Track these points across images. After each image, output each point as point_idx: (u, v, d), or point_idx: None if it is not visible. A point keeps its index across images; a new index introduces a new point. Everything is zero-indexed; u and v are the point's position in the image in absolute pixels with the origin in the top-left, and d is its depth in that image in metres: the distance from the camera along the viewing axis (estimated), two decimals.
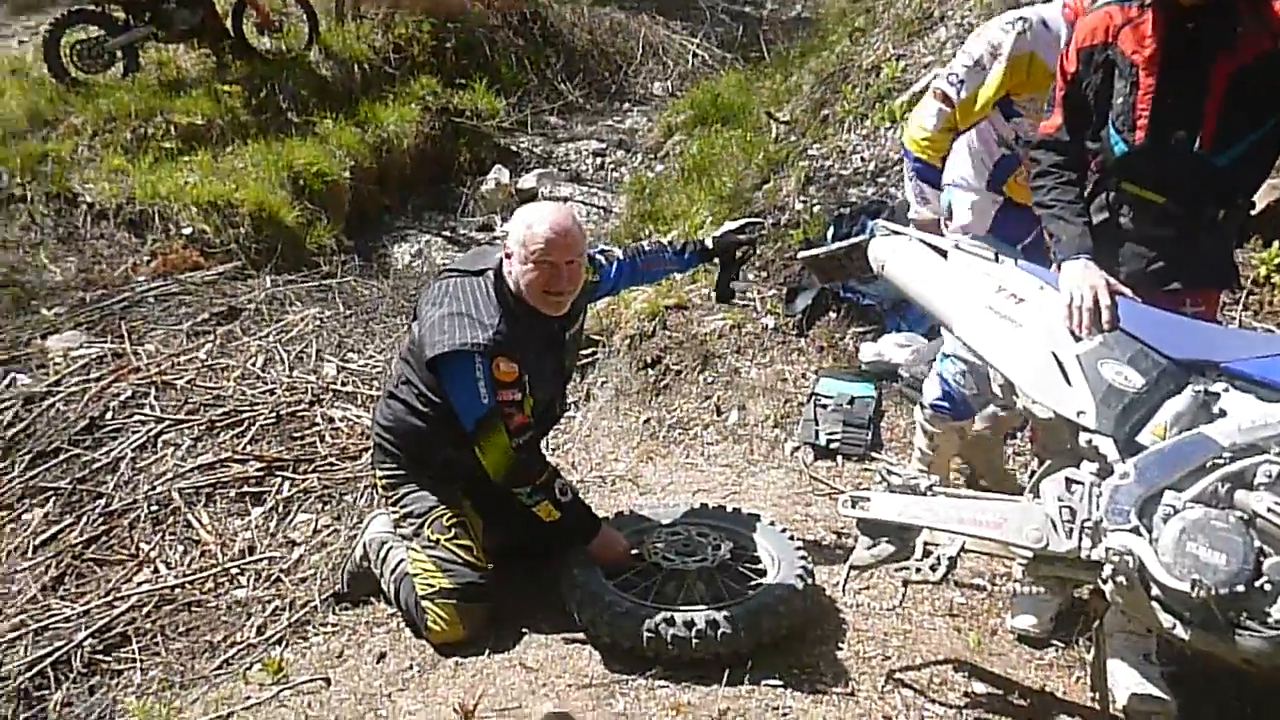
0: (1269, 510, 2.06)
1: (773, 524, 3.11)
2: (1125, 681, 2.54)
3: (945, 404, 3.25)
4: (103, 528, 3.66)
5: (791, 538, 3.04)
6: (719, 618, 2.63)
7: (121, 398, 4.28)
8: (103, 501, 3.76)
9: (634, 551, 2.99)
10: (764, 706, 2.52)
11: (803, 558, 2.92)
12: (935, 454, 3.38)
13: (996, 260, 2.66)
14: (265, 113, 7.63)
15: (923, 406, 3.34)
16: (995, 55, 3.02)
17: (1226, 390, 2.27)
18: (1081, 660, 2.80)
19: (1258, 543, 2.06)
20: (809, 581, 2.84)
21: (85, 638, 3.19)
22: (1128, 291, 2.48)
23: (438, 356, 2.73)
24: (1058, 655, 2.86)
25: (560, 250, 2.78)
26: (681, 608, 2.69)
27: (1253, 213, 2.78)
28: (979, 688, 2.66)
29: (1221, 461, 2.16)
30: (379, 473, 3.06)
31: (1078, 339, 2.42)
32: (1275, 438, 2.12)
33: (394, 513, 2.99)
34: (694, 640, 2.61)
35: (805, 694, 2.57)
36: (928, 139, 3.19)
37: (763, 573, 2.93)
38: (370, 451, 3.25)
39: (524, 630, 2.88)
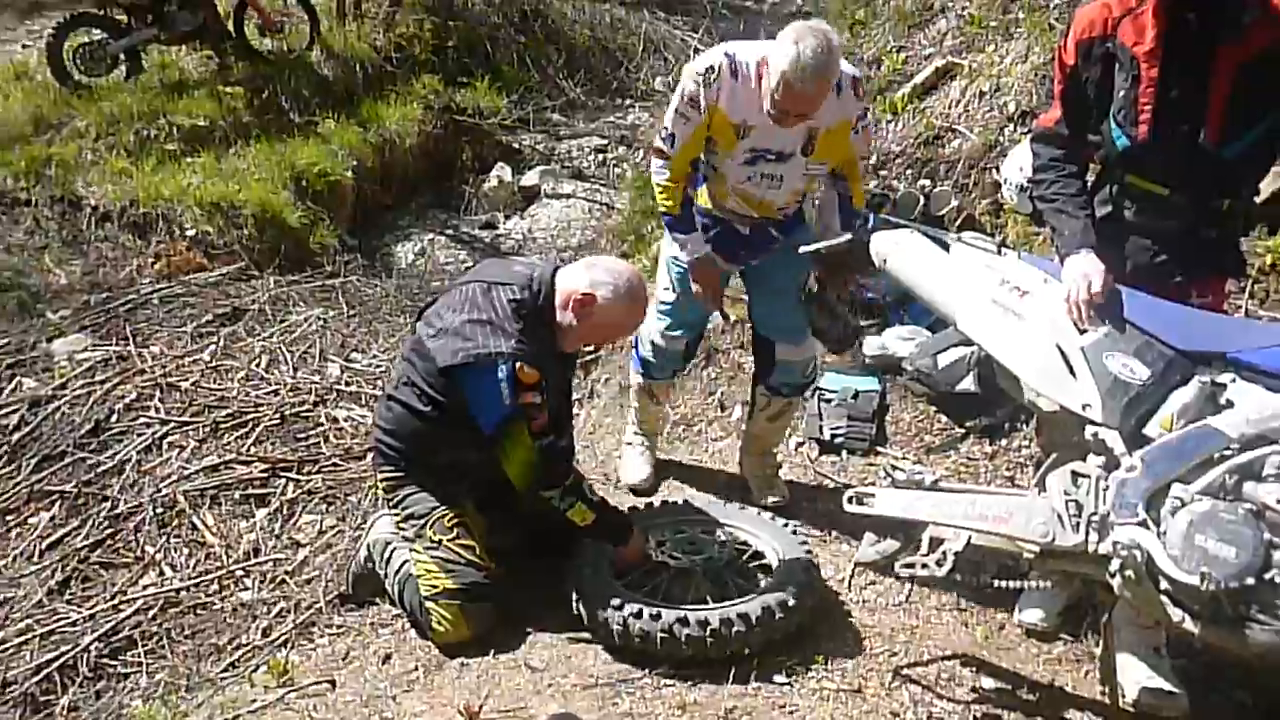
0: (1278, 502, 2.04)
1: (773, 518, 3.10)
2: (1135, 675, 2.52)
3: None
4: (108, 531, 3.65)
5: (795, 532, 3.03)
6: (733, 615, 2.62)
7: (126, 400, 4.27)
8: (108, 504, 3.75)
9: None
10: (770, 704, 2.51)
11: (808, 552, 2.92)
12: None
13: (999, 253, 2.64)
14: (268, 113, 7.61)
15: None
16: (694, 105, 3.05)
17: (1234, 381, 2.25)
18: (1090, 654, 2.79)
19: (1267, 535, 2.04)
20: (816, 575, 2.83)
21: (91, 641, 3.18)
22: (1122, 288, 2.46)
23: (460, 363, 2.72)
24: (1066, 649, 2.85)
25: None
26: (694, 607, 2.68)
27: (1257, 200, 2.75)
28: (987, 683, 2.66)
29: (1229, 453, 2.15)
30: (379, 475, 3.05)
31: (1082, 331, 2.40)
32: None
33: (396, 515, 2.98)
34: (709, 639, 2.59)
35: (812, 691, 2.56)
36: (663, 190, 3.21)
37: (768, 569, 2.92)
38: (371, 454, 3.24)
39: (529, 630, 2.87)
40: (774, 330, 3.44)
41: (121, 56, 7.49)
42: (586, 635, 2.78)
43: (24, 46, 8.58)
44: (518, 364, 2.68)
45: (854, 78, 3.05)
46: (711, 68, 2.97)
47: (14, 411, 4.19)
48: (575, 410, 4.35)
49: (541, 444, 2.74)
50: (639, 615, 2.64)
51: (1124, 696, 2.50)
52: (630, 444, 3.84)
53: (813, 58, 2.73)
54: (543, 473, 2.78)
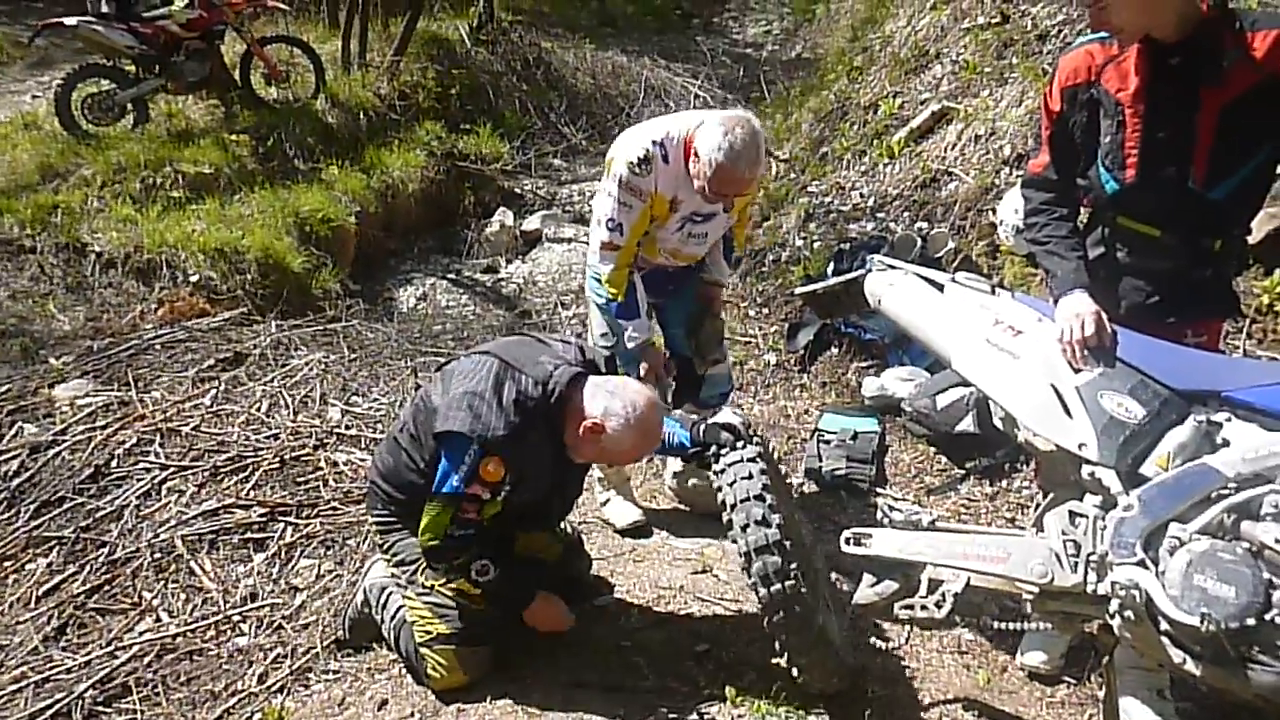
0: (1277, 541, 2.03)
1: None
2: (1139, 718, 2.49)
3: None
4: (106, 576, 3.63)
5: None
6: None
7: (127, 445, 4.27)
8: (106, 550, 3.73)
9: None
10: None
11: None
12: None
13: (993, 293, 2.66)
14: (272, 161, 7.71)
15: None
16: (636, 194, 3.19)
17: (1229, 420, 2.25)
18: (1094, 697, 2.75)
19: (1266, 574, 2.02)
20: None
21: (86, 689, 3.15)
22: (1116, 328, 2.46)
23: (447, 431, 2.69)
24: (1069, 692, 2.81)
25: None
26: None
27: (1251, 240, 2.77)
28: None
29: (1227, 492, 2.13)
30: (371, 518, 3.03)
31: (1077, 371, 2.40)
32: None
33: (388, 559, 2.97)
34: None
35: None
36: (610, 280, 3.33)
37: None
38: (366, 496, 3.23)
39: (525, 675, 2.84)
40: (695, 350, 3.61)
41: (129, 106, 7.61)
42: (583, 679, 2.75)
43: (33, 97, 8.71)
44: (486, 457, 2.65)
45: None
46: (645, 159, 3.16)
47: (14, 457, 4.19)
48: None
49: (452, 532, 2.72)
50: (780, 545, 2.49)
51: None
52: (609, 496, 3.86)
53: (743, 146, 2.96)
54: (436, 552, 2.77)
